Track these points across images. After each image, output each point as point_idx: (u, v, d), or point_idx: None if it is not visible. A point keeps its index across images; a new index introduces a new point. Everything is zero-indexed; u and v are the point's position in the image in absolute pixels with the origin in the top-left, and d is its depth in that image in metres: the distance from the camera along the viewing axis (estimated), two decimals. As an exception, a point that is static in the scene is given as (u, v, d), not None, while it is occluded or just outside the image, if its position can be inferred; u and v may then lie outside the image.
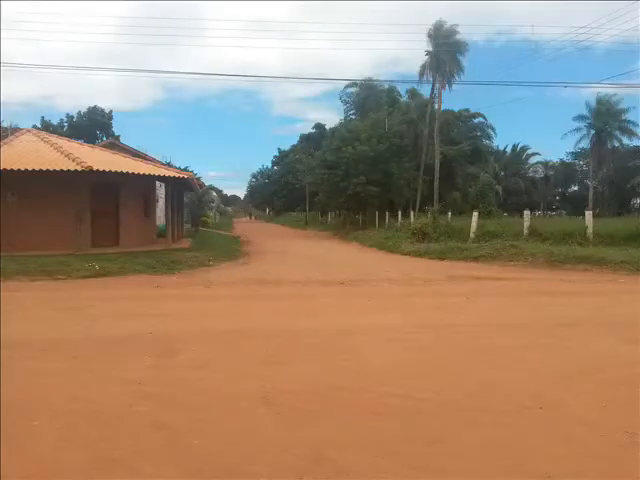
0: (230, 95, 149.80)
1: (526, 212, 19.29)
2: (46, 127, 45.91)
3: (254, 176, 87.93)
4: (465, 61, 35.41)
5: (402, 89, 45.48)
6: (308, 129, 60.68)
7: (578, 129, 46.94)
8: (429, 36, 34.76)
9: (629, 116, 45.07)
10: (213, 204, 54.59)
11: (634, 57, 79.85)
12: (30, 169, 15.38)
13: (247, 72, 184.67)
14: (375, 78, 46.50)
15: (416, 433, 3.70)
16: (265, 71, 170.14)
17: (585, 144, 49.01)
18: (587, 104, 46.64)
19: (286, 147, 68.64)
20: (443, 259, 16.85)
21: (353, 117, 44.38)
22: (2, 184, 15.54)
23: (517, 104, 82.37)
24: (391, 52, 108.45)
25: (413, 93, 42.34)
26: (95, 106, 56.04)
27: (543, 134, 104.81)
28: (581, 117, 46.93)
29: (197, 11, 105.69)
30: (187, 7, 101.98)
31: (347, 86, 44.69)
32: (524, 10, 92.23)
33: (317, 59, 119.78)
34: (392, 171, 33.47)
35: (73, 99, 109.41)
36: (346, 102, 46.42)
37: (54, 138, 20.10)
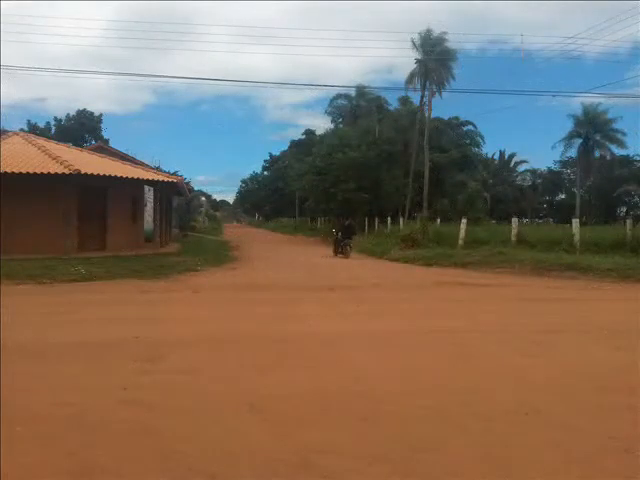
0: (222, 100, 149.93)
1: (514, 219, 19.45)
2: (33, 130, 45.53)
3: (244, 181, 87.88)
4: (456, 68, 35.73)
5: (394, 96, 45.79)
6: (299, 135, 60.82)
7: (566, 138, 47.45)
8: (414, 45, 35.01)
9: (616, 125, 45.65)
10: (202, 209, 54.41)
11: (621, 68, 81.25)
12: (17, 172, 15.25)
13: (240, 77, 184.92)
14: (368, 85, 46.82)
15: (404, 439, 3.69)
16: (258, 77, 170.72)
17: (573, 153, 49.60)
18: (574, 114, 47.25)
19: (277, 152, 68.75)
20: (432, 265, 16.89)
21: (341, 126, 44.47)
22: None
23: (508, 112, 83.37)
24: (386, 59, 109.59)
25: (404, 100, 42.60)
26: (84, 109, 55.83)
27: (532, 142, 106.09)
28: (569, 126, 47.52)
29: (192, 16, 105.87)
30: (182, 12, 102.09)
31: (334, 98, 44.85)
32: (515, 21, 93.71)
33: (310, 66, 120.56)
34: (382, 178, 33.57)
35: (65, 102, 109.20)
36: (332, 113, 46.39)
37: (42, 141, 19.98)
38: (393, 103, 45.49)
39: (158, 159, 77.97)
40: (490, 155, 57.38)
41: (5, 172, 15.08)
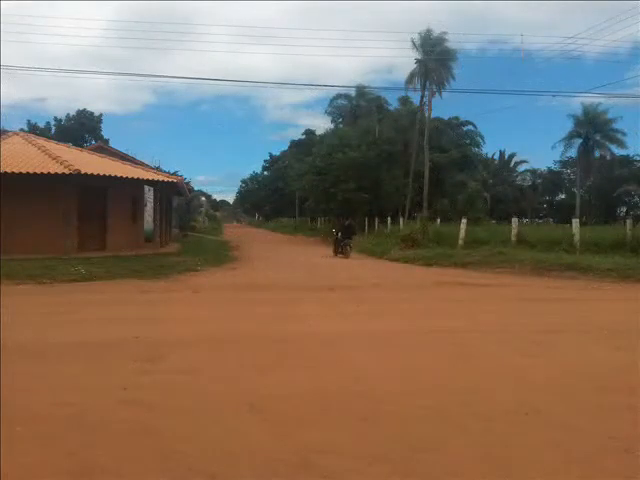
0: (222, 100, 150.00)
1: (514, 219, 19.46)
2: (33, 130, 45.53)
3: (244, 181, 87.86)
4: (456, 68, 35.72)
5: (394, 96, 45.78)
6: (299, 135, 60.83)
7: (566, 138, 47.43)
8: (414, 45, 35.02)
9: (616, 125, 45.62)
10: (202, 209, 54.42)
11: (621, 68, 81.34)
12: (17, 172, 15.25)
13: (240, 77, 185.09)
14: (368, 85, 46.81)
15: (403, 438, 3.69)
16: (258, 77, 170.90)
17: (573, 153, 49.60)
18: (574, 114, 47.25)
19: (277, 152, 68.74)
20: (432, 265, 16.89)
21: (341, 126, 44.48)
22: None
23: (508, 112, 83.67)
24: (386, 59, 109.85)
25: (404, 100, 42.59)
26: (84, 109, 55.89)
27: (532, 142, 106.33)
28: (569, 126, 47.51)
29: (191, 16, 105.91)
30: (181, 12, 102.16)
31: (334, 98, 44.83)
32: (515, 21, 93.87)
33: (310, 65, 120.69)
34: (382, 178, 33.56)
35: (65, 102, 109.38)
36: (332, 113, 46.30)
37: (42, 141, 19.98)
38: (393, 103, 45.54)
39: (158, 159, 78.02)
40: (490, 155, 57.45)
41: (5, 172, 15.08)
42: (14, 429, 3.73)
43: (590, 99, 44.40)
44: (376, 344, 6.56)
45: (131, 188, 18.77)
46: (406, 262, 18.16)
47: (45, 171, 15.61)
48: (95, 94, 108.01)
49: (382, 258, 20.42)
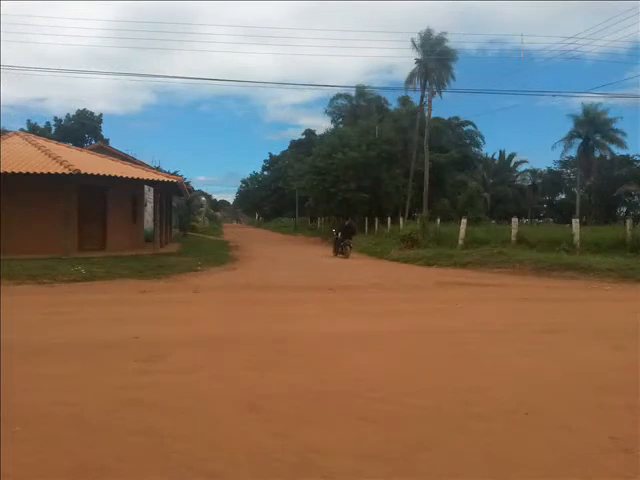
0: (222, 100, 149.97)
1: (514, 219, 19.47)
2: (33, 130, 45.53)
3: (244, 181, 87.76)
4: (456, 68, 35.76)
5: (394, 96, 45.82)
6: (299, 135, 60.89)
7: (566, 138, 47.43)
8: (414, 45, 35.03)
9: (616, 125, 45.64)
10: (202, 209, 54.45)
11: (621, 68, 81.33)
12: (17, 172, 15.25)
13: (240, 77, 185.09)
14: (368, 85, 46.85)
15: (403, 438, 3.69)
16: (258, 77, 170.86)
17: (573, 153, 49.62)
18: (574, 114, 47.27)
19: (277, 153, 68.77)
20: (432, 265, 16.89)
21: (341, 126, 44.52)
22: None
23: (508, 112, 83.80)
24: (386, 59, 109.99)
25: (404, 100, 42.62)
26: (84, 109, 55.89)
27: (532, 142, 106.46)
28: (569, 126, 47.52)
29: (191, 16, 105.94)
30: (181, 12, 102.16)
31: (334, 98, 44.85)
32: (515, 21, 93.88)
33: (310, 65, 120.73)
34: (382, 178, 33.57)
35: (65, 102, 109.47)
36: (332, 113, 46.27)
37: (42, 141, 19.97)
38: (393, 103, 45.61)
39: (158, 159, 78.12)
40: (490, 155, 57.47)
41: (5, 172, 15.07)
42: (14, 429, 3.73)
43: (590, 99, 44.47)
44: (376, 344, 6.55)
45: (131, 188, 18.76)
46: (406, 262, 18.16)
47: (45, 171, 15.59)
48: (95, 94, 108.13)
49: (382, 258, 20.43)
